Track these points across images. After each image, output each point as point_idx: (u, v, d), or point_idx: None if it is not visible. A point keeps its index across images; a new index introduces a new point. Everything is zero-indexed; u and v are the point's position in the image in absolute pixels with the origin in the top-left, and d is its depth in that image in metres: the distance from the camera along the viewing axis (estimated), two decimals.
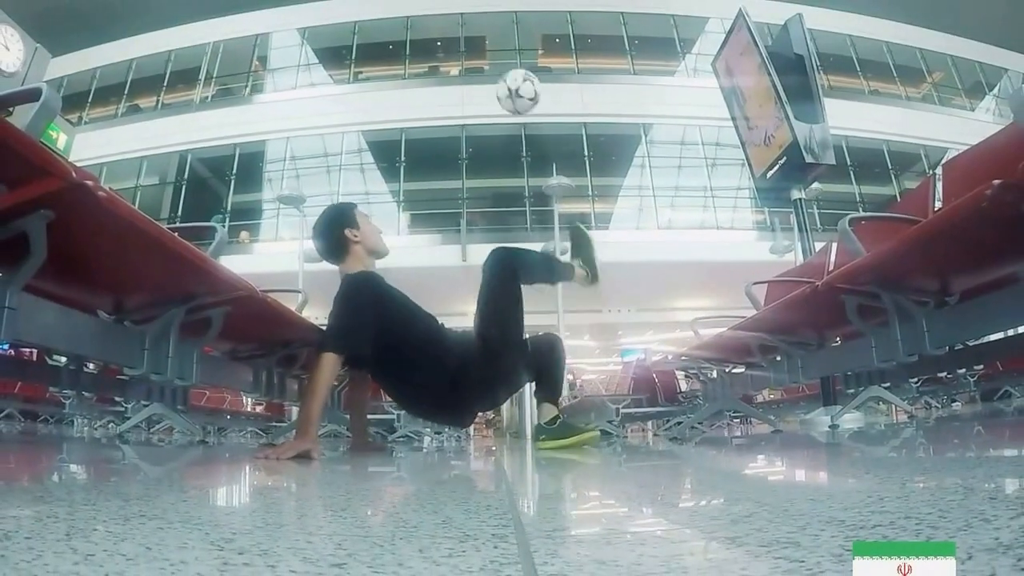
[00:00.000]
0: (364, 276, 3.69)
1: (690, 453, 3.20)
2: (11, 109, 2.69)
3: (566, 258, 4.44)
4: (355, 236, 3.83)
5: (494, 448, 6.52)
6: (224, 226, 8.04)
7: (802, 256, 8.76)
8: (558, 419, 3.96)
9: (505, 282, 3.85)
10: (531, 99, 4.38)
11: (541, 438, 3.95)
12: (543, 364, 4.08)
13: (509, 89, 4.44)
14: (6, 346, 4.24)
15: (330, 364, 3.28)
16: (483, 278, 3.90)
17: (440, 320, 4.02)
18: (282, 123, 22.61)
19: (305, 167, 22.93)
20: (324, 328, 3.59)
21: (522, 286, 3.89)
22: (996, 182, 2.20)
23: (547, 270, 4.31)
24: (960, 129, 21.45)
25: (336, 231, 3.84)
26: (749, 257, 17.35)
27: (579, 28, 24.41)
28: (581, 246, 4.33)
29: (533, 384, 4.22)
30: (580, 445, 3.87)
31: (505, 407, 15.36)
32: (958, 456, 2.34)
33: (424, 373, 3.70)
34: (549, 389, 4.09)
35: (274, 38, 25.18)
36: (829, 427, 5.53)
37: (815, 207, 17.62)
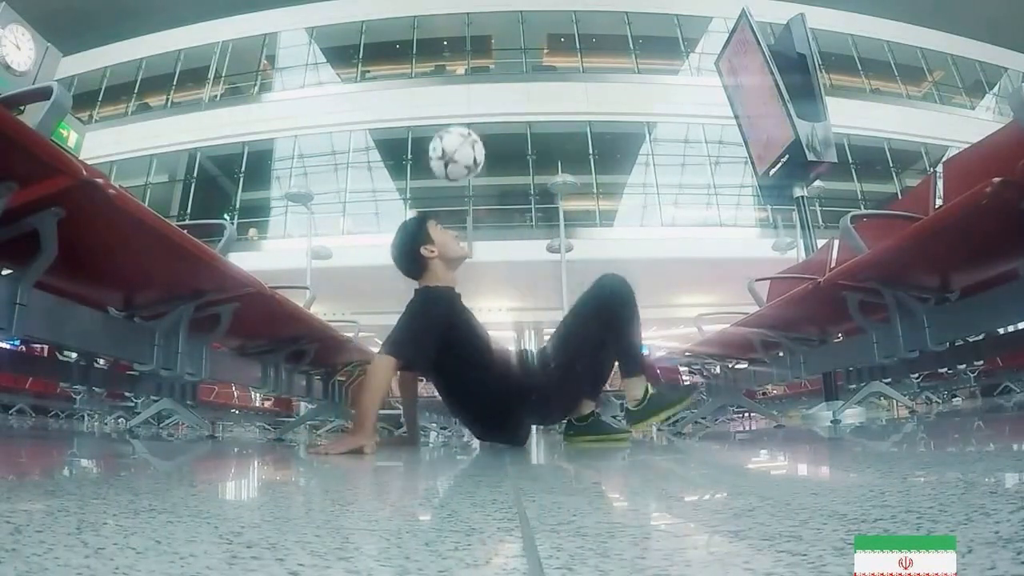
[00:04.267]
0: (439, 293, 3.61)
1: (693, 448, 3.21)
2: (22, 107, 2.71)
3: None
4: (431, 252, 3.72)
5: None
6: (233, 223, 8.07)
7: (804, 253, 8.75)
8: (592, 416, 3.74)
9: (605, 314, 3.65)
10: (468, 166, 3.82)
11: (570, 433, 3.77)
12: (614, 322, 3.66)
13: (443, 151, 3.87)
14: (17, 342, 4.28)
15: (387, 366, 3.26)
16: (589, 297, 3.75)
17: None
18: (290, 121, 22.62)
19: (313, 165, 22.94)
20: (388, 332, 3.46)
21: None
22: (996, 180, 2.21)
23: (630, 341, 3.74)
24: (960, 127, 21.39)
25: (412, 252, 3.73)
26: (752, 254, 17.29)
27: (584, 27, 24.35)
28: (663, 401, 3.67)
29: None
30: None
31: None
32: (958, 451, 2.35)
33: (484, 395, 3.60)
34: (627, 356, 3.72)
35: (282, 37, 25.19)
36: (831, 422, 5.50)
37: (817, 205, 17.56)
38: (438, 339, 3.41)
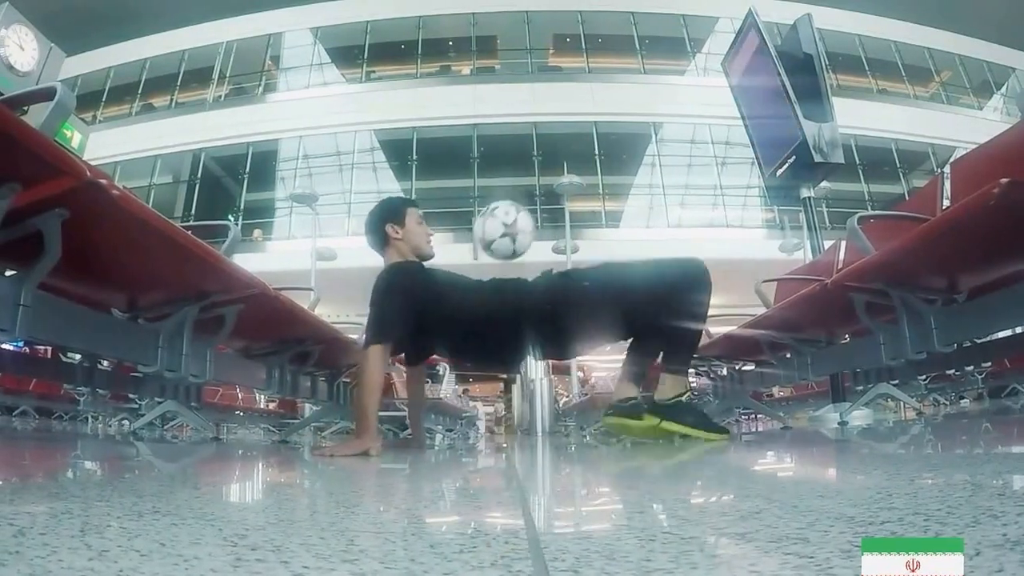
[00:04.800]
0: (394, 266, 3.59)
1: (699, 449, 3.19)
2: (26, 108, 2.70)
3: None
4: (396, 233, 3.70)
5: (505, 445, 6.51)
6: (237, 224, 8.06)
7: (811, 254, 8.80)
8: (682, 397, 3.51)
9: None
10: (529, 232, 3.61)
11: (609, 414, 3.57)
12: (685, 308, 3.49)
13: (504, 224, 3.59)
14: (21, 344, 4.27)
15: (375, 357, 3.18)
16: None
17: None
18: (295, 122, 22.72)
19: (318, 166, 23.01)
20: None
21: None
22: (1004, 180, 2.20)
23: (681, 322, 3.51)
24: (968, 128, 21.40)
25: (378, 225, 3.72)
26: (759, 255, 17.30)
27: (590, 27, 24.41)
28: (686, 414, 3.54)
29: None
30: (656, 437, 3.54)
31: (516, 403, 15.27)
32: (966, 453, 2.33)
33: (485, 328, 3.54)
34: (679, 350, 3.59)
35: (287, 37, 25.28)
36: (838, 424, 5.46)
37: (824, 206, 17.59)
38: (411, 304, 3.37)
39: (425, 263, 3.73)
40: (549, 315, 3.48)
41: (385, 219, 3.73)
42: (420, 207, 3.84)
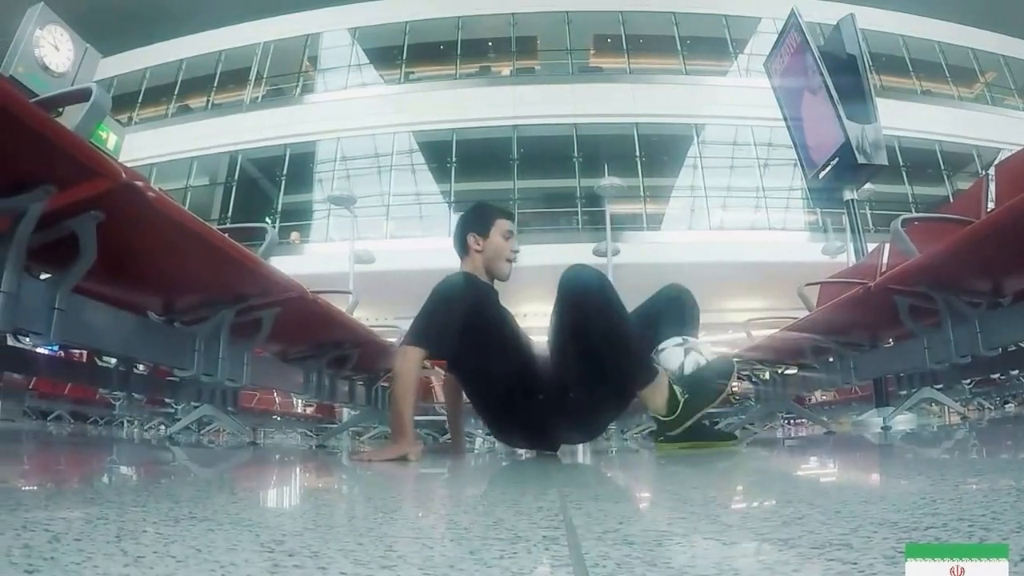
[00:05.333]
0: (459, 275, 3.38)
1: (741, 454, 3.13)
2: (61, 109, 2.69)
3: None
4: (477, 244, 3.54)
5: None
6: (274, 226, 8.07)
7: (855, 257, 8.77)
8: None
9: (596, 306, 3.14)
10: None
11: (660, 440, 3.24)
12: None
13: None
14: (56, 348, 4.27)
15: (410, 359, 3.03)
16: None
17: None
18: (333, 123, 22.83)
19: (356, 167, 23.13)
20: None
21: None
22: None
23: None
24: (1013, 129, 21.46)
25: (461, 232, 3.59)
26: (801, 258, 17.22)
27: (631, 28, 24.36)
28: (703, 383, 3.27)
29: None
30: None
31: None
32: (1011, 458, 2.37)
33: (512, 389, 3.33)
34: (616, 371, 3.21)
35: (325, 38, 25.44)
36: (881, 428, 5.49)
37: (867, 208, 17.46)
38: (461, 319, 3.19)
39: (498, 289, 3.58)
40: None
41: (468, 227, 3.58)
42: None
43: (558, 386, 3.25)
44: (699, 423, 3.23)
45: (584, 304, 3.12)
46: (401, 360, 3.07)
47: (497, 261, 3.56)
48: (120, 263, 2.54)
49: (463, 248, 3.58)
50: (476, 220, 3.60)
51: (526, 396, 3.30)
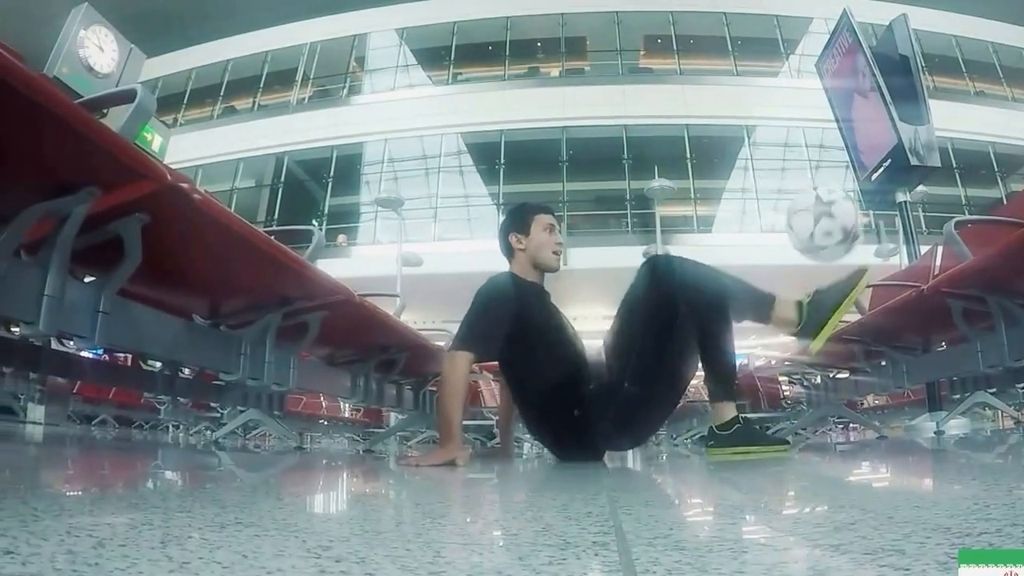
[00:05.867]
0: (502, 276, 3.42)
1: (793, 459, 3.06)
2: (106, 111, 2.67)
3: None
4: (519, 244, 3.52)
5: None
6: (321, 229, 8.08)
7: (907, 260, 8.65)
8: (737, 422, 3.11)
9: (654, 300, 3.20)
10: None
11: (710, 444, 3.16)
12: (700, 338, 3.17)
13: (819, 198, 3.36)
14: (100, 351, 4.28)
15: (458, 363, 3.05)
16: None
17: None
18: (380, 125, 22.93)
19: (403, 169, 23.22)
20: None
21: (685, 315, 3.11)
22: None
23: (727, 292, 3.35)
24: None
25: (503, 236, 3.59)
26: (853, 260, 16.95)
27: (681, 28, 24.23)
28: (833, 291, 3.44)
29: None
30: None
31: None
32: None
33: (559, 388, 3.29)
34: (717, 379, 3.20)
35: (372, 39, 25.55)
36: (934, 433, 5.50)
37: (920, 210, 17.21)
38: (506, 322, 3.18)
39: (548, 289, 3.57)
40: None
41: (509, 228, 3.58)
42: (554, 212, 3.65)
43: (610, 384, 3.21)
44: (750, 426, 3.24)
45: (684, 272, 3.27)
46: (449, 364, 3.09)
47: (542, 254, 3.53)
48: (165, 266, 2.54)
49: (508, 250, 3.58)
50: (515, 221, 3.60)
51: (575, 396, 3.27)
